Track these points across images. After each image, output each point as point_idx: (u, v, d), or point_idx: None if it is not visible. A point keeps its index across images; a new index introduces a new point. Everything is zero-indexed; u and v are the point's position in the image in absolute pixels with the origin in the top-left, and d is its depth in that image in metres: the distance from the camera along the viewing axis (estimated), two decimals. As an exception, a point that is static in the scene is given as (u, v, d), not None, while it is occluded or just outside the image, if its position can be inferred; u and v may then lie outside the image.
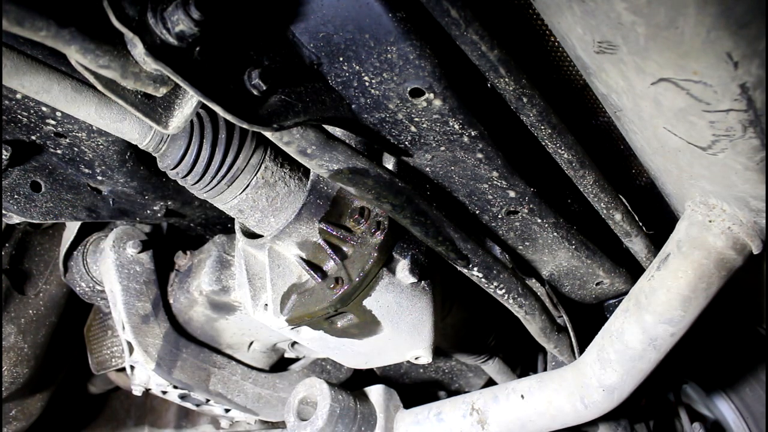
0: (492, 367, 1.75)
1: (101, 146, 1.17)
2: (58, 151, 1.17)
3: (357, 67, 0.80)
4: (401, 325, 1.14)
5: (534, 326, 1.22)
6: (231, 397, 1.48)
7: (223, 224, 1.58)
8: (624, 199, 1.12)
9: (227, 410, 1.53)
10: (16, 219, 1.19)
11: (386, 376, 1.75)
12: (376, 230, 1.07)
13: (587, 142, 0.97)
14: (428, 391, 1.89)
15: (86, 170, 1.22)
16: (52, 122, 1.09)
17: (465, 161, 0.96)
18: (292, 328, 1.13)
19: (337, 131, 0.99)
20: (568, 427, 1.19)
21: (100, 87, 0.68)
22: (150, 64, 0.64)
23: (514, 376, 1.79)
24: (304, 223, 1.08)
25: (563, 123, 0.89)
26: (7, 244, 1.51)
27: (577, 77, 1.01)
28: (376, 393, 1.35)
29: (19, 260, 1.54)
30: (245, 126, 0.71)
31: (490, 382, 1.84)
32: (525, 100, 0.82)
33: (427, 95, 0.82)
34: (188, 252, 1.43)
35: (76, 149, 1.17)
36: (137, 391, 1.45)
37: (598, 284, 1.34)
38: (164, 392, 1.46)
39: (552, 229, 1.15)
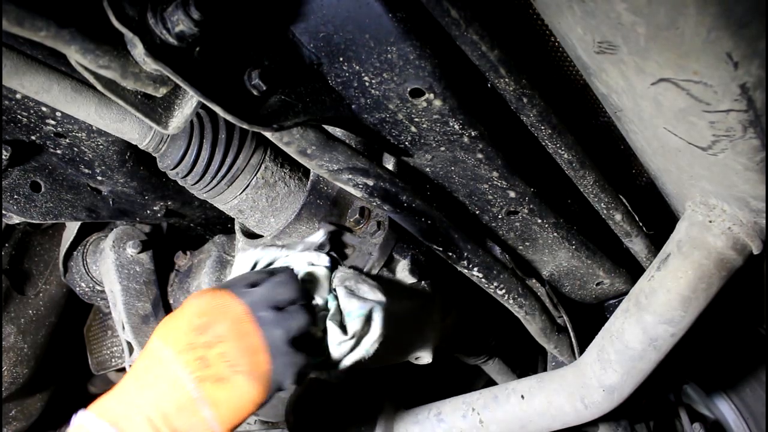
0: (492, 367, 1.75)
1: (101, 146, 1.17)
2: (58, 151, 1.17)
3: (357, 67, 0.80)
4: (402, 326, 1.14)
5: (534, 326, 1.22)
6: (231, 397, 1.47)
7: (223, 224, 1.58)
8: (624, 199, 1.12)
9: (227, 410, 1.53)
10: (16, 219, 1.19)
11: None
12: (376, 230, 1.07)
13: (587, 142, 0.97)
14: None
15: (86, 170, 1.22)
16: (52, 122, 1.09)
17: (465, 161, 0.96)
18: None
19: (337, 131, 0.99)
20: (569, 427, 1.19)
21: (100, 87, 0.68)
22: (150, 65, 0.64)
23: (514, 376, 1.79)
24: (304, 223, 1.08)
25: (563, 123, 0.89)
26: (7, 244, 1.51)
27: (577, 77, 1.00)
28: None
29: (19, 260, 1.54)
30: (245, 126, 0.71)
31: (490, 382, 1.84)
32: (525, 100, 0.82)
33: (427, 95, 0.82)
34: (188, 252, 1.43)
35: (76, 149, 1.17)
36: (137, 391, 1.44)
37: (598, 284, 1.34)
38: (164, 392, 1.46)
39: (552, 229, 1.15)
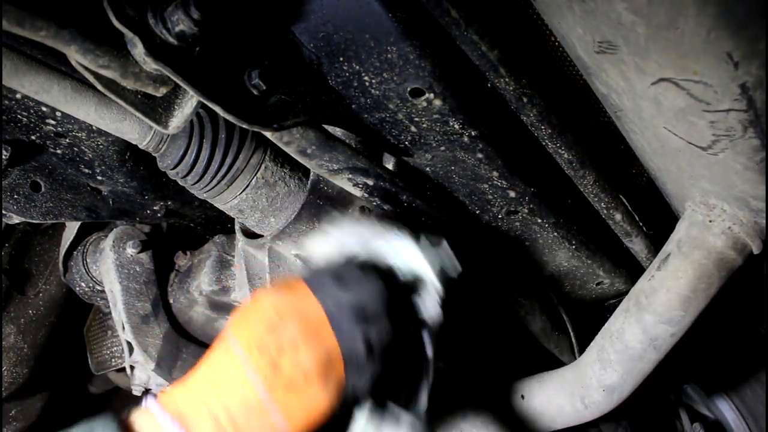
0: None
1: (101, 146, 1.17)
2: (58, 151, 1.17)
3: (357, 67, 0.80)
4: (401, 325, 1.14)
5: (534, 326, 1.22)
6: (231, 397, 1.47)
7: (223, 224, 1.58)
8: (624, 199, 1.12)
9: (227, 410, 1.53)
10: (16, 219, 1.19)
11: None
12: (376, 230, 1.06)
13: (587, 142, 0.97)
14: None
15: (86, 170, 1.22)
16: (52, 122, 1.09)
17: (465, 161, 0.96)
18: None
19: (337, 131, 0.99)
20: (568, 427, 1.19)
21: (100, 87, 0.68)
22: (150, 64, 0.64)
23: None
24: (305, 223, 1.08)
25: (563, 123, 0.89)
26: (7, 244, 1.51)
27: (577, 77, 1.00)
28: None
29: (19, 260, 1.54)
30: (245, 126, 0.71)
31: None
32: (525, 100, 0.83)
33: (427, 95, 0.82)
34: (188, 252, 1.43)
35: (76, 149, 1.17)
36: (137, 391, 1.45)
37: (598, 284, 1.34)
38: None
39: (552, 229, 1.15)
